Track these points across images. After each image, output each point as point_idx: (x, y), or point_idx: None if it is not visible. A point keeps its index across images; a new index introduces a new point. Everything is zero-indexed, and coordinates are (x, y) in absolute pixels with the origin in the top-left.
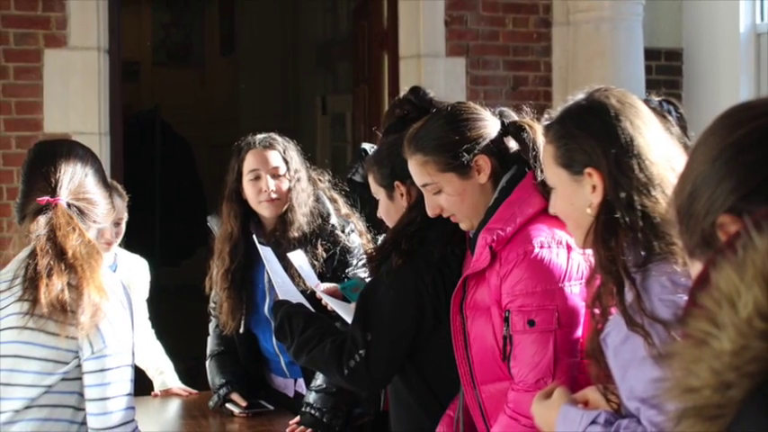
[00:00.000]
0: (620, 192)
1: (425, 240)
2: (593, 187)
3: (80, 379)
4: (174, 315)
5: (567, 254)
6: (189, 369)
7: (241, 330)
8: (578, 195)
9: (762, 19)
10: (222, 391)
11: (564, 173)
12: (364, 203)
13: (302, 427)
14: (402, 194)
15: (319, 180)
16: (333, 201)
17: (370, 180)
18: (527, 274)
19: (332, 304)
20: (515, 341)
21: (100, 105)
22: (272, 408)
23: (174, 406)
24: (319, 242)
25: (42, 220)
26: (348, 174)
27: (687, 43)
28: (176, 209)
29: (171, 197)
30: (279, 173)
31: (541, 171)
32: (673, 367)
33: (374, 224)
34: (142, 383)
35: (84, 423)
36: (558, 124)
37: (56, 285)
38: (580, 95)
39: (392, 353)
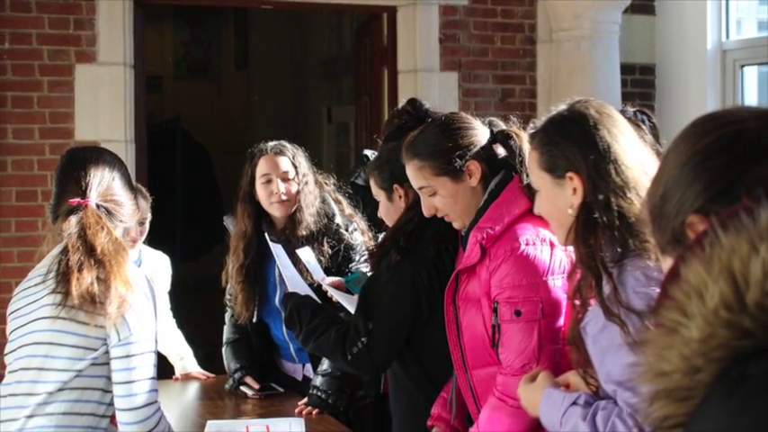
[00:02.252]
0: (599, 194)
1: (422, 238)
2: (574, 190)
3: (108, 364)
4: (193, 306)
5: (551, 250)
6: (207, 355)
7: (254, 320)
8: (560, 197)
9: (727, 37)
10: (237, 375)
11: (547, 176)
12: (366, 204)
13: (309, 408)
14: (400, 196)
15: (325, 183)
16: (337, 202)
17: (372, 183)
18: (514, 269)
19: (336, 296)
20: (503, 330)
21: (126, 115)
22: (282, 390)
23: (193, 388)
24: (325, 240)
25: (74, 219)
26: (351, 177)
27: (659, 59)
28: (195, 209)
29: (190, 199)
30: (288, 177)
31: (527, 175)
32: (646, 353)
33: (375, 223)
34: (164, 368)
35: (111, 404)
36: (542, 132)
37: (86, 279)
38: (562, 106)
39: (391, 340)
